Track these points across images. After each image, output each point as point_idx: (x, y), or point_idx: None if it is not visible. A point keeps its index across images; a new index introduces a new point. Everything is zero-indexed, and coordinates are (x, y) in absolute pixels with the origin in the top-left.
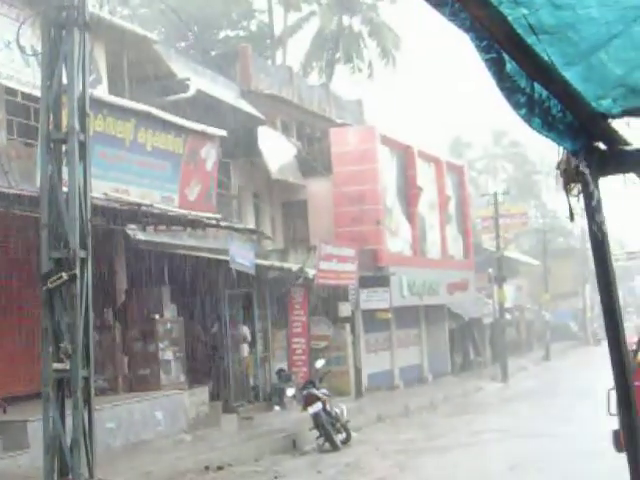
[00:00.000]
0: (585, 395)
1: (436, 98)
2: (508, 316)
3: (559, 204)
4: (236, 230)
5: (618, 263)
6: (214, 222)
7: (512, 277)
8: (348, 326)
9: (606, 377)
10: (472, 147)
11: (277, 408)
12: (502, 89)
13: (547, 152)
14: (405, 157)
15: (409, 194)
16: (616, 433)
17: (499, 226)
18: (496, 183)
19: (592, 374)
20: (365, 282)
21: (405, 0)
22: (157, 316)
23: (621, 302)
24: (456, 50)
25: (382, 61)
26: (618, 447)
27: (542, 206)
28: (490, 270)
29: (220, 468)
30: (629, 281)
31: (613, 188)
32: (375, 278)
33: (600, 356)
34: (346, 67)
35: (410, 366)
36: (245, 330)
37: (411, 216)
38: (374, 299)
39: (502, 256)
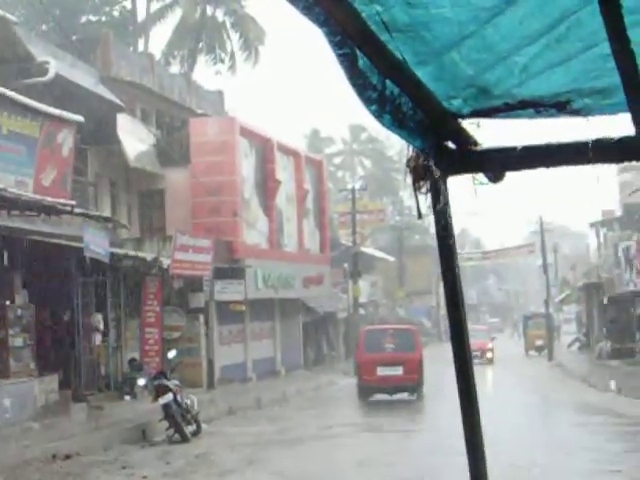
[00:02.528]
0: (435, 391)
1: (296, 92)
2: (362, 311)
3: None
4: (91, 217)
5: (473, 263)
6: (68, 209)
7: (367, 273)
8: (202, 317)
9: (454, 373)
10: (331, 142)
11: (128, 398)
12: (354, 85)
13: (406, 149)
14: (264, 150)
15: (267, 187)
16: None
17: (356, 222)
18: (354, 179)
19: (442, 369)
20: (220, 273)
21: None
22: (8, 302)
23: (475, 301)
24: (318, 45)
25: (244, 53)
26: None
27: (399, 203)
28: (346, 265)
29: (68, 457)
30: (483, 280)
31: (468, 189)
32: (230, 270)
33: (450, 352)
34: (208, 58)
35: (263, 359)
36: (98, 318)
37: (269, 209)
38: (228, 291)
39: (358, 251)
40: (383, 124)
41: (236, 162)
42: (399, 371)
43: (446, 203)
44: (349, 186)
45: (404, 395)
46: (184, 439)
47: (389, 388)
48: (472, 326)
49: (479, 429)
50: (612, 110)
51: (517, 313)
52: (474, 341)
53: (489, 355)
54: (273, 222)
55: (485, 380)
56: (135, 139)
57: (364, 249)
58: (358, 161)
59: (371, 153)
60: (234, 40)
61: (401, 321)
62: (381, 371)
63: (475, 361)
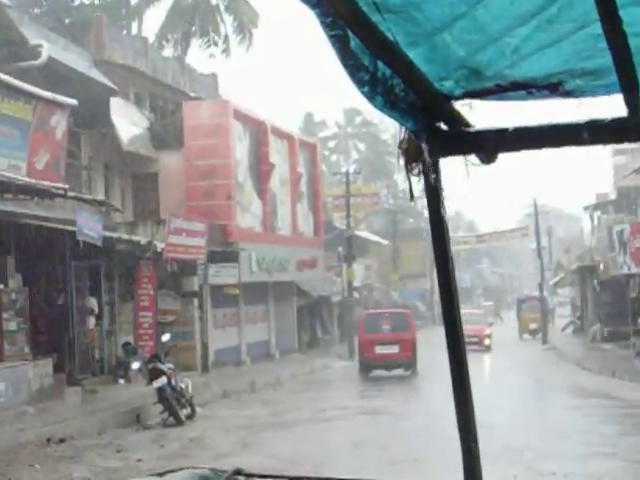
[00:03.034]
0: (428, 373)
1: (291, 75)
2: (356, 295)
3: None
4: (84, 201)
5: (467, 246)
6: (62, 192)
7: (362, 256)
8: (196, 301)
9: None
10: (325, 125)
11: (122, 382)
12: (345, 66)
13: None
14: (258, 133)
15: (261, 170)
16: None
17: (350, 205)
18: (348, 162)
19: (436, 352)
20: (214, 257)
21: None
22: (2, 286)
23: (469, 285)
24: (311, 27)
25: (238, 37)
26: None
27: (393, 186)
28: (340, 248)
29: (62, 441)
30: (477, 264)
31: (463, 171)
32: (224, 253)
33: (444, 335)
34: (202, 41)
35: (258, 342)
36: (92, 302)
37: (262, 192)
38: (223, 274)
39: (352, 235)
40: (375, 106)
41: (230, 145)
42: (395, 349)
43: (438, 185)
44: (343, 169)
45: (400, 371)
46: (178, 422)
47: (387, 364)
48: (468, 310)
49: (472, 414)
50: (604, 91)
51: (510, 296)
52: (470, 326)
53: (487, 342)
54: (267, 205)
55: (479, 363)
56: (129, 122)
57: (358, 232)
58: (352, 144)
59: (365, 137)
60: (228, 23)
61: (395, 305)
62: (379, 349)
63: (471, 348)
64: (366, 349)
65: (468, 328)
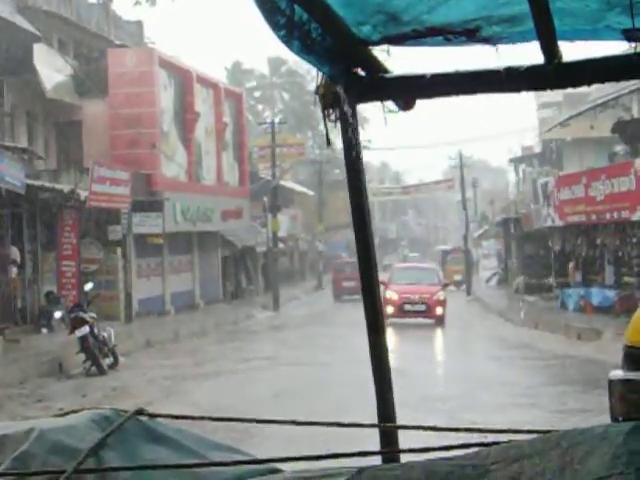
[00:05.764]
0: (354, 324)
1: (218, 23)
2: (282, 245)
3: (336, 135)
4: (6, 148)
5: (393, 197)
6: None
7: (287, 207)
8: (119, 250)
9: None
10: (252, 74)
11: (45, 331)
12: (262, 9)
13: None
14: (183, 81)
15: (186, 119)
16: None
17: (276, 155)
18: (274, 112)
19: (360, 303)
20: (138, 206)
21: None
22: None
23: (395, 236)
24: None
25: None
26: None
27: (319, 137)
28: (265, 199)
29: None
30: (403, 215)
31: (391, 121)
32: (149, 202)
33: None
34: None
35: (182, 292)
36: (14, 251)
37: (187, 141)
38: (147, 224)
39: (277, 185)
40: (292, 50)
41: (155, 93)
42: (354, 283)
43: (355, 131)
44: (269, 119)
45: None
46: (101, 372)
47: (349, 292)
48: (416, 264)
49: (387, 362)
50: (521, 38)
51: (436, 248)
52: (417, 288)
53: (439, 311)
54: (192, 155)
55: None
56: (52, 70)
57: (283, 183)
58: (278, 94)
59: (291, 87)
60: None
61: (321, 255)
62: (345, 283)
63: (418, 320)
64: (337, 283)
65: (414, 290)
